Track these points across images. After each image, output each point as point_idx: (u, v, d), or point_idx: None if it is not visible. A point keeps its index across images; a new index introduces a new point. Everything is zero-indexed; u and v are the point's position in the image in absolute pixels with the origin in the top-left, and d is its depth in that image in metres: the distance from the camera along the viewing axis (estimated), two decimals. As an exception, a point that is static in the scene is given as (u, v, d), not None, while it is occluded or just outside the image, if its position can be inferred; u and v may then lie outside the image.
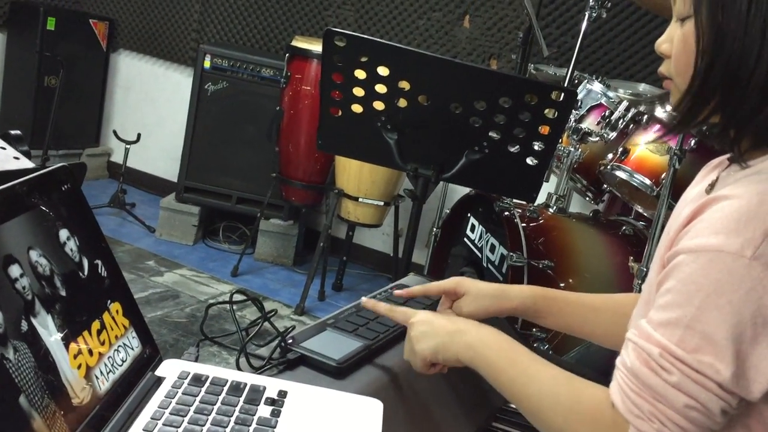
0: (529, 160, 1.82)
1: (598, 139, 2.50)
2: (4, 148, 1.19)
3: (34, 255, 0.77)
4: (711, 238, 0.79)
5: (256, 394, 0.91)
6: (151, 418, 0.83)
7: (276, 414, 0.88)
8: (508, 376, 0.95)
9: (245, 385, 0.92)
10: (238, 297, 2.75)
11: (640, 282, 2.13)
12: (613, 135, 2.47)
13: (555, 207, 2.53)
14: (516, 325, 1.80)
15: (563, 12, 3.38)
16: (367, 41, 1.76)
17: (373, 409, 0.93)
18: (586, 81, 2.62)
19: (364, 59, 1.74)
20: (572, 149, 2.52)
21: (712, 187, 0.93)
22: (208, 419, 0.85)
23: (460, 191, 2.92)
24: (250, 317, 3.01)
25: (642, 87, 2.93)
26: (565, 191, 2.63)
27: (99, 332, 0.85)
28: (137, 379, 0.89)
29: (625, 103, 2.48)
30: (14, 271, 0.73)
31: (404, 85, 1.75)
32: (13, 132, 1.24)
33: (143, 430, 0.82)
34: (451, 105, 1.74)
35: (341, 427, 0.89)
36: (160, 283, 3.31)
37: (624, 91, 2.71)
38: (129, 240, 3.72)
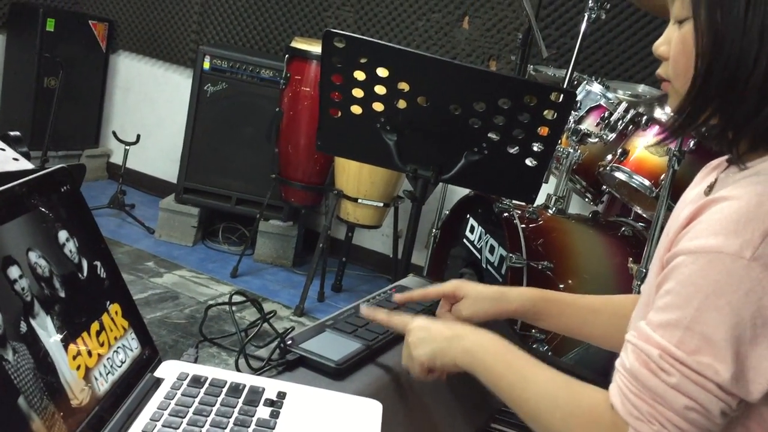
0: (529, 161, 1.82)
1: (597, 140, 2.50)
2: (3, 150, 1.19)
3: (33, 256, 0.77)
4: (710, 239, 0.79)
5: (255, 395, 0.91)
6: (150, 420, 0.83)
7: (275, 415, 0.88)
8: (507, 380, 0.94)
9: (244, 386, 0.92)
10: (237, 298, 2.75)
11: (639, 283, 2.13)
12: (612, 136, 2.47)
13: (554, 208, 2.53)
14: (515, 327, 1.80)
15: (562, 13, 3.38)
16: (366, 42, 1.76)
17: (373, 410, 0.93)
18: (585, 82, 2.62)
19: (363, 60, 1.74)
20: (571, 150, 2.52)
21: (711, 188, 0.93)
22: (207, 420, 0.85)
23: (460, 192, 2.91)
24: (249, 318, 3.01)
25: (641, 88, 2.93)
26: (564, 192, 2.63)
27: (98, 333, 0.85)
28: (136, 381, 0.89)
29: (624, 104, 2.48)
30: (13, 272, 0.73)
31: (403, 86, 1.75)
32: (12, 133, 1.24)
33: (142, 431, 0.82)
34: (450, 106, 1.74)
35: (340, 428, 0.89)
36: (160, 284, 3.31)
37: (623, 92, 2.71)
38: (128, 241, 3.71)
